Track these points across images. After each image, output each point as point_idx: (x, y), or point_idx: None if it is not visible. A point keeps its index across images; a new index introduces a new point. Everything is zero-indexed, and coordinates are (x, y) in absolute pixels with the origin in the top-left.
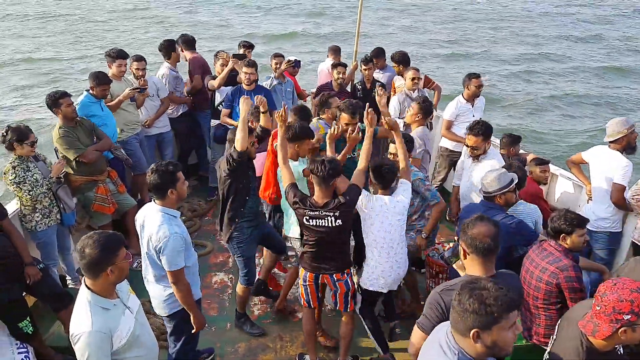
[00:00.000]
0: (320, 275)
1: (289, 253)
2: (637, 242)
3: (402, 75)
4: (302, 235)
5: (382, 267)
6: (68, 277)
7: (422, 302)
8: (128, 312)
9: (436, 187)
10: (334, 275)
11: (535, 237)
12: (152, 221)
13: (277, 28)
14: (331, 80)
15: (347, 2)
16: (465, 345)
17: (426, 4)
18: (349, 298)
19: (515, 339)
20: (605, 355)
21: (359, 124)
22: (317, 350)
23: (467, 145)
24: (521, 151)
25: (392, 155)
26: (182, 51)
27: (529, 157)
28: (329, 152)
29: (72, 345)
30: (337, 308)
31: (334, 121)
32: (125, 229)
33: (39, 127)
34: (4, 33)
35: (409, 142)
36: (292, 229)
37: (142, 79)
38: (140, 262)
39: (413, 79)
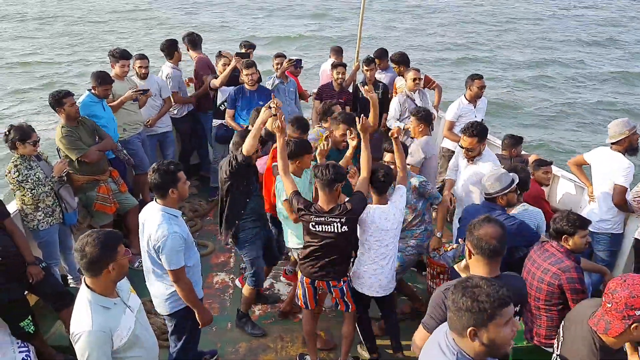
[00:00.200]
0: (316, 281)
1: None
2: None
3: (402, 76)
4: (305, 244)
5: (373, 270)
6: (69, 277)
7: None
8: (128, 311)
9: (438, 187)
10: (330, 282)
11: (536, 238)
12: (152, 220)
13: (280, 30)
14: (332, 81)
15: (350, 3)
16: (463, 345)
17: (431, 6)
18: (347, 299)
19: (513, 335)
20: (618, 352)
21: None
22: (317, 351)
23: (462, 147)
24: (523, 152)
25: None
26: (188, 50)
27: (531, 158)
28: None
29: (73, 345)
30: (339, 309)
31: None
32: (127, 229)
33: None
34: (1, 35)
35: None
36: (290, 240)
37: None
38: (142, 261)
39: (414, 79)
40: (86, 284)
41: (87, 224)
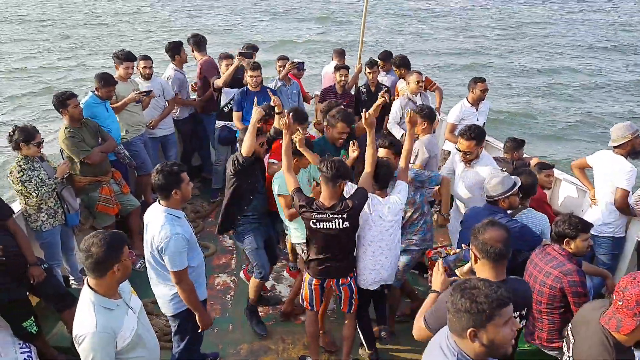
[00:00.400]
0: (326, 280)
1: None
2: None
3: (403, 79)
4: (307, 242)
5: (373, 265)
6: (71, 278)
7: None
8: (131, 312)
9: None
10: (339, 280)
11: (538, 242)
12: (155, 222)
13: (284, 34)
14: (335, 83)
15: (354, 6)
16: (464, 346)
17: (437, 9)
18: (353, 300)
19: (513, 335)
20: (628, 350)
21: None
22: (319, 353)
23: (459, 150)
24: (525, 155)
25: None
26: (193, 51)
27: (533, 162)
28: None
29: (76, 346)
30: (342, 310)
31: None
32: (129, 230)
33: None
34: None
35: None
36: (293, 234)
37: (145, 95)
38: (144, 263)
39: (418, 82)
40: (89, 285)
41: (90, 225)
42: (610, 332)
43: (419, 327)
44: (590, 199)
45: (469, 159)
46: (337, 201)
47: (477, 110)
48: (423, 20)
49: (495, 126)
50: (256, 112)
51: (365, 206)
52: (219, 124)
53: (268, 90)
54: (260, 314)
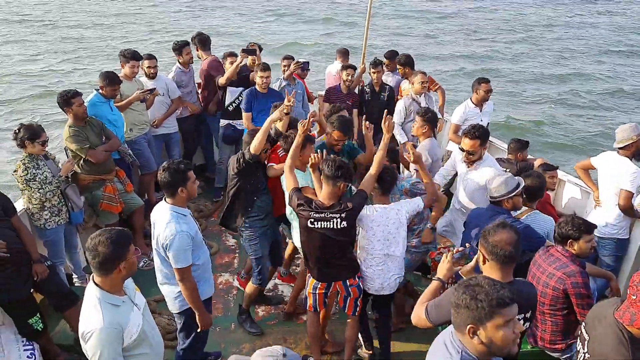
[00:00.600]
0: (333, 283)
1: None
2: None
3: (406, 78)
4: (303, 246)
5: (380, 271)
6: (75, 275)
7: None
8: (136, 309)
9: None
10: (346, 281)
11: (542, 243)
12: (161, 219)
13: (289, 37)
14: (340, 83)
15: (360, 6)
16: (465, 343)
17: (445, 11)
18: (359, 302)
19: (515, 337)
20: None
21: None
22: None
23: (463, 150)
24: (529, 156)
25: None
26: (197, 50)
27: (537, 163)
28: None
29: (83, 343)
30: (346, 312)
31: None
32: (132, 229)
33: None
34: None
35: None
36: (295, 237)
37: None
38: (147, 261)
39: (422, 82)
40: (94, 283)
41: (93, 223)
42: (624, 325)
43: (418, 316)
44: (595, 200)
45: (472, 159)
46: (336, 201)
47: (481, 110)
48: (430, 22)
49: (509, 134)
50: (275, 112)
51: (367, 215)
52: (223, 122)
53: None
54: (262, 313)
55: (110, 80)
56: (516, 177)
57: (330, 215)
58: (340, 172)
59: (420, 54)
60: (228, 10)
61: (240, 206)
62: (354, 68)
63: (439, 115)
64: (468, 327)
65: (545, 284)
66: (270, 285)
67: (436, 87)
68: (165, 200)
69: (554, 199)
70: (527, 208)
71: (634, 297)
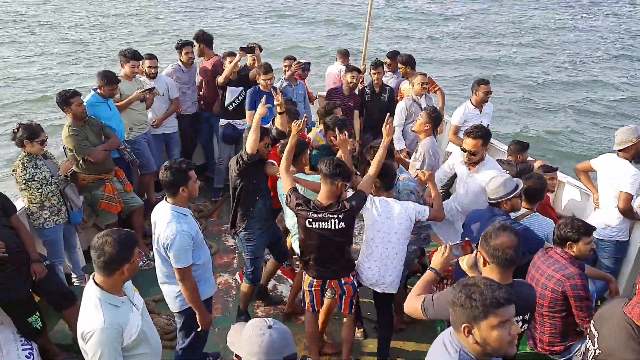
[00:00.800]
0: (328, 281)
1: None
2: None
3: (407, 78)
4: (301, 244)
5: (378, 269)
6: (73, 275)
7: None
8: (135, 309)
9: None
10: (341, 279)
11: (540, 245)
12: (162, 219)
13: (291, 39)
14: (341, 85)
15: (362, 9)
16: (462, 342)
17: (448, 14)
18: (354, 299)
19: (511, 338)
20: None
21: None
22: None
23: (465, 150)
24: (529, 158)
25: None
26: (203, 48)
27: (537, 164)
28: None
29: (82, 343)
30: (342, 311)
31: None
32: (132, 228)
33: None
34: None
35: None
36: (295, 239)
37: (149, 92)
38: (146, 261)
39: (422, 83)
40: (95, 282)
41: (92, 222)
42: (633, 320)
43: (414, 307)
44: (594, 202)
45: (474, 160)
46: (334, 201)
47: (480, 112)
48: (434, 24)
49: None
50: (260, 108)
51: (374, 207)
52: (223, 122)
53: (272, 90)
54: (262, 314)
55: (108, 79)
56: (515, 179)
57: (328, 215)
58: (339, 170)
59: (425, 58)
60: (228, 11)
61: (243, 206)
62: (359, 71)
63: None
64: (463, 325)
65: (544, 286)
66: (270, 286)
67: (436, 89)
68: (166, 199)
69: (554, 201)
70: (527, 210)
71: None
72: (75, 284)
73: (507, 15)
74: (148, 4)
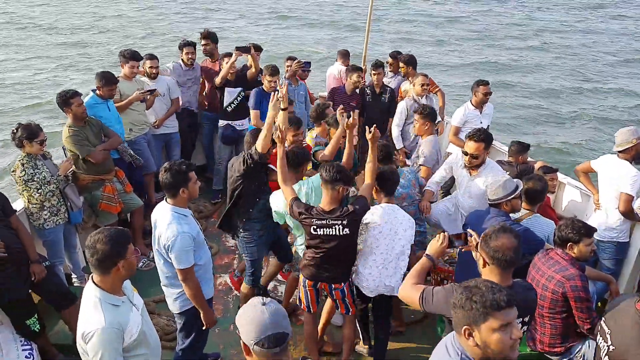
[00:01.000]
0: (318, 282)
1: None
2: None
3: (408, 78)
4: (307, 247)
5: (379, 273)
6: (74, 275)
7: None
8: (135, 310)
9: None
10: (332, 285)
11: (541, 246)
12: (163, 220)
13: (294, 42)
14: (343, 85)
15: (366, 10)
16: (463, 345)
17: (452, 16)
18: (347, 301)
19: (512, 342)
20: None
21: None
22: (323, 355)
23: (466, 153)
24: (529, 159)
25: None
26: (209, 46)
27: (537, 165)
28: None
29: (83, 344)
30: (340, 312)
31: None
32: (131, 229)
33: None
34: None
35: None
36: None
37: (150, 94)
38: (146, 261)
39: (422, 84)
40: (94, 282)
41: (92, 223)
42: None
43: (411, 297)
44: (595, 203)
45: (475, 163)
46: (337, 205)
47: (481, 113)
48: (439, 27)
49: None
50: (271, 110)
51: (376, 214)
52: (222, 123)
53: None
54: None
55: (107, 80)
56: (515, 180)
57: (332, 222)
58: (339, 175)
59: (429, 63)
60: (229, 13)
61: (242, 207)
62: (362, 70)
63: (439, 118)
64: (464, 328)
65: (545, 287)
66: (270, 287)
67: (436, 90)
68: (166, 200)
69: (554, 202)
70: (527, 211)
71: None
72: (75, 284)
73: (513, 17)
74: (147, 5)
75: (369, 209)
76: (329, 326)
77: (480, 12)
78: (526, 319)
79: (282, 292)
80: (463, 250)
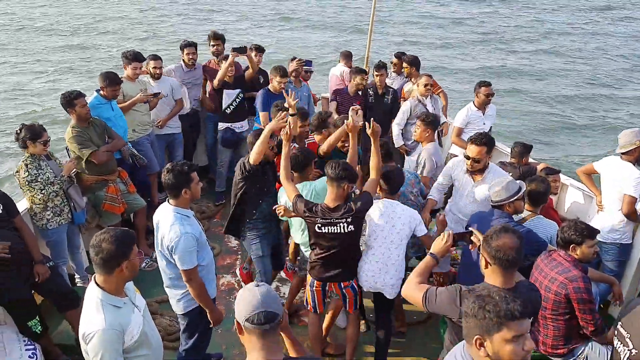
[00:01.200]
0: (328, 283)
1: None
2: None
3: (410, 79)
4: (312, 246)
5: (378, 270)
6: (77, 276)
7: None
8: (137, 311)
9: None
10: (341, 283)
11: (543, 247)
12: (165, 221)
13: (294, 44)
14: (346, 86)
15: (368, 11)
16: (474, 355)
17: (457, 18)
18: (357, 298)
19: (523, 354)
20: None
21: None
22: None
23: (468, 157)
24: (531, 160)
25: None
26: (217, 46)
27: (540, 167)
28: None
29: (84, 344)
30: (347, 310)
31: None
32: (135, 229)
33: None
34: None
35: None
36: (297, 235)
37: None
38: (149, 262)
39: (426, 85)
40: (96, 283)
41: (96, 223)
42: None
43: (414, 297)
44: (597, 205)
45: (477, 167)
46: (341, 202)
47: (483, 114)
48: (446, 29)
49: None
50: (275, 122)
51: (377, 209)
52: (222, 125)
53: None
54: None
55: (111, 80)
56: (517, 181)
57: (336, 220)
58: (345, 173)
59: (436, 67)
60: (232, 15)
61: (245, 209)
62: (366, 73)
63: (443, 119)
64: (475, 337)
65: (547, 289)
66: (271, 287)
67: (439, 91)
68: (168, 201)
69: (557, 203)
70: (530, 212)
71: None
72: (78, 284)
73: (519, 19)
74: (147, 6)
75: (372, 204)
76: (332, 328)
77: (486, 13)
78: (530, 320)
79: (284, 293)
80: (470, 248)
